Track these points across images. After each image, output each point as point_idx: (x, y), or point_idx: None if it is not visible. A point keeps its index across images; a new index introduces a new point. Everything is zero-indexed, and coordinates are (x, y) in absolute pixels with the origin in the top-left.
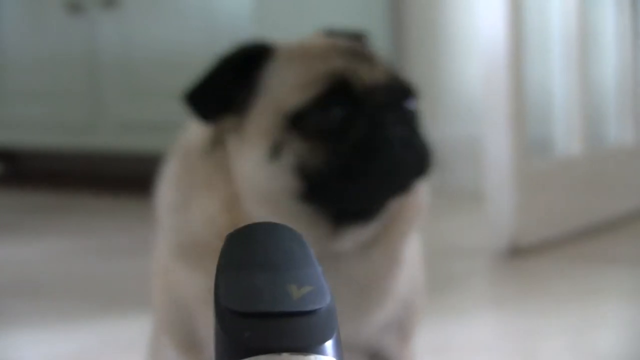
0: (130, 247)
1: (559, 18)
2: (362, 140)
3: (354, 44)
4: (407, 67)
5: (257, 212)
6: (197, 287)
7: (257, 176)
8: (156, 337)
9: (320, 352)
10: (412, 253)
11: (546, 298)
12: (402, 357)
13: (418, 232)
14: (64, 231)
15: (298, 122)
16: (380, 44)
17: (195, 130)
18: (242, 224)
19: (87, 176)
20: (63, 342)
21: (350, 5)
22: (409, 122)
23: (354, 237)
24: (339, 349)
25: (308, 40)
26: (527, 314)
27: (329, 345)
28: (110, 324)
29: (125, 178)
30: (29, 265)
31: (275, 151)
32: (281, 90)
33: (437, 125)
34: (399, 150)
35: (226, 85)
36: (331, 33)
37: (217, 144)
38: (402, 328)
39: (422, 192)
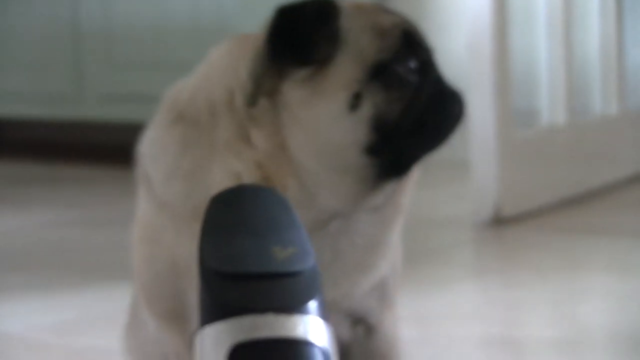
0: (112, 218)
1: None
2: (434, 93)
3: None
4: None
5: (310, 166)
6: (190, 245)
7: (332, 128)
8: (134, 308)
9: (304, 311)
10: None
11: (529, 268)
12: (385, 322)
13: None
14: (46, 202)
15: (381, 72)
16: None
17: (214, 86)
18: (277, 180)
19: (70, 147)
20: (43, 313)
21: None
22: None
23: (385, 193)
24: (322, 309)
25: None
26: (509, 284)
27: (312, 305)
28: (92, 295)
29: (109, 149)
30: (9, 236)
31: (355, 102)
32: (360, 41)
33: None
34: (457, 105)
35: (315, 34)
36: None
37: (262, 95)
38: (386, 292)
39: None
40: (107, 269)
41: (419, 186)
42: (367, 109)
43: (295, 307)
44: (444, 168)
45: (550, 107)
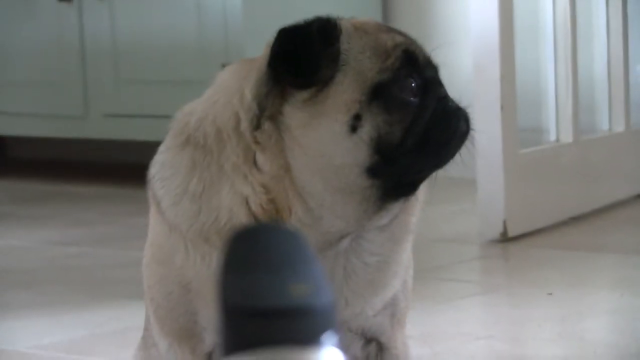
0: (119, 236)
1: (550, 6)
2: (437, 111)
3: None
4: None
5: (313, 188)
6: (203, 270)
7: (333, 150)
8: (147, 329)
9: (321, 344)
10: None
11: (535, 286)
12: (395, 342)
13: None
14: (52, 220)
15: (380, 93)
16: None
17: (221, 110)
18: (282, 202)
19: (76, 165)
20: (52, 332)
21: None
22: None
23: (392, 212)
24: (338, 342)
25: (346, 19)
26: (516, 302)
27: (328, 338)
28: (100, 314)
29: (115, 166)
30: (16, 254)
31: (355, 124)
32: (360, 62)
33: None
34: (461, 123)
35: (317, 56)
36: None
37: (266, 118)
38: (395, 311)
39: None
40: (115, 286)
41: (427, 204)
42: (367, 131)
43: (312, 340)
44: (450, 185)
45: (557, 125)
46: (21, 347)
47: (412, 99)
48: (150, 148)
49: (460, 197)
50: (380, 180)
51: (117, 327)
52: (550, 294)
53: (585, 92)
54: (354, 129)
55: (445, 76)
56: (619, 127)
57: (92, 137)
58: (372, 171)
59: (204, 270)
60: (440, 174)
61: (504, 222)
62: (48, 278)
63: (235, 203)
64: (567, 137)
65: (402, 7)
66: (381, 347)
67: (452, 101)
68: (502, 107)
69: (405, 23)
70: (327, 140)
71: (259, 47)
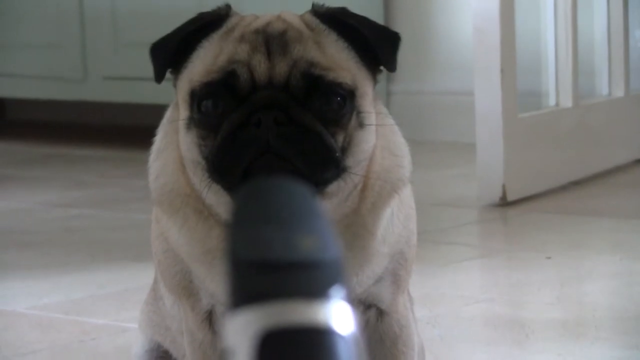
0: (119, 198)
1: None
2: (223, 138)
3: (289, 29)
4: (398, 22)
5: (192, 174)
6: (178, 237)
7: (181, 141)
8: (155, 283)
9: (329, 297)
10: (405, 207)
11: (534, 249)
12: (395, 307)
13: (413, 184)
14: (52, 182)
15: (198, 104)
16: None
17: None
18: (185, 185)
19: (75, 127)
20: (52, 293)
21: None
22: (298, 122)
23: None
24: (345, 295)
25: (260, 16)
26: (515, 265)
27: (336, 291)
28: (99, 275)
29: (113, 129)
30: (16, 216)
31: (189, 123)
32: (196, 66)
33: (428, 79)
34: (254, 154)
35: (173, 46)
36: (315, 10)
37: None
38: (395, 279)
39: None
40: (115, 248)
41: (427, 169)
42: (194, 134)
43: (320, 293)
44: (450, 150)
45: (556, 90)
46: (20, 307)
47: (213, 119)
48: (148, 110)
49: (459, 162)
50: (218, 178)
51: (116, 289)
52: (549, 257)
53: (584, 56)
54: (189, 128)
55: (446, 40)
56: (619, 92)
57: (91, 100)
58: (207, 171)
59: (174, 234)
60: (439, 138)
61: (503, 187)
62: (48, 239)
63: (168, 172)
64: (567, 101)
65: None
66: (381, 313)
67: (283, 132)
68: (502, 71)
69: None
70: (180, 131)
71: (259, 8)
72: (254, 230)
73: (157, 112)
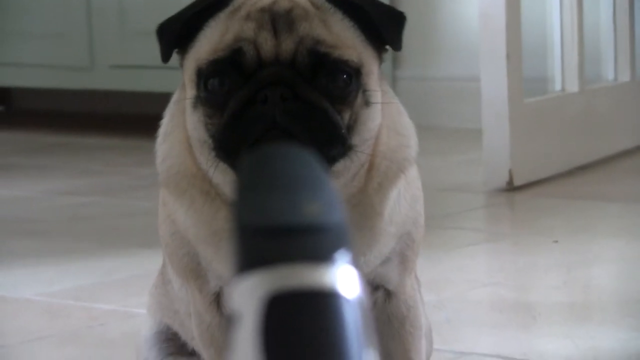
0: (126, 186)
1: None
2: (229, 116)
3: (295, 7)
4: (404, 7)
5: (198, 154)
6: (185, 219)
7: (188, 121)
8: (163, 267)
9: (334, 260)
10: (412, 189)
11: (540, 234)
12: (403, 288)
13: (420, 169)
14: (60, 170)
15: (204, 82)
16: None
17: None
18: (192, 165)
19: (83, 116)
20: (60, 280)
21: None
22: (304, 99)
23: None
24: (351, 259)
25: None
26: (521, 250)
27: (342, 254)
28: (107, 262)
29: (121, 117)
30: (25, 204)
31: (196, 102)
32: (203, 45)
33: (434, 64)
34: (260, 130)
35: (179, 26)
36: None
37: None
38: (403, 260)
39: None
40: (122, 235)
41: (434, 154)
42: (200, 112)
43: (325, 258)
44: (456, 135)
45: (562, 75)
46: (28, 294)
47: (219, 97)
48: (155, 99)
49: (466, 147)
50: (224, 157)
51: (124, 275)
52: (556, 241)
53: (590, 41)
54: (195, 107)
55: (452, 25)
56: (625, 77)
57: (98, 88)
58: (213, 149)
59: (181, 216)
60: (445, 124)
61: (510, 171)
62: (55, 227)
63: (175, 155)
64: (573, 86)
65: None
66: (389, 294)
67: (290, 109)
68: (507, 56)
69: None
70: (187, 110)
71: None
72: (259, 196)
73: (163, 100)
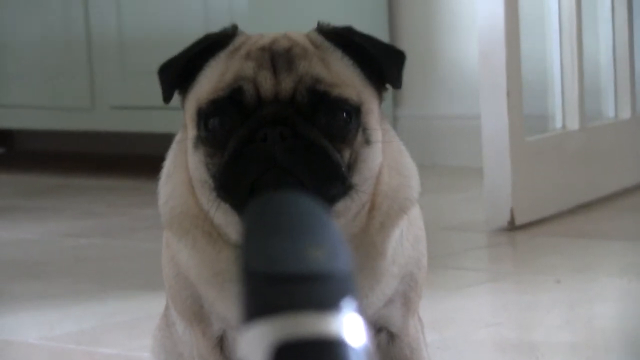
0: (127, 227)
1: None
2: (230, 155)
3: (294, 46)
4: (403, 46)
5: (200, 194)
6: (188, 260)
7: (189, 161)
8: (167, 309)
9: (340, 309)
10: (415, 229)
11: (543, 272)
12: (406, 330)
13: (421, 208)
14: (61, 212)
15: (205, 122)
16: (374, 22)
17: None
18: (194, 206)
19: (84, 157)
20: (62, 323)
21: None
22: (304, 137)
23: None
24: (356, 307)
25: (266, 35)
26: (524, 288)
27: (347, 303)
28: (109, 304)
29: (122, 158)
30: (27, 246)
31: (197, 142)
32: (203, 85)
33: (434, 103)
34: (261, 169)
35: (180, 67)
36: (321, 28)
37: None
38: (406, 301)
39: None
40: (124, 277)
41: (436, 193)
42: (201, 152)
43: (331, 305)
44: (457, 174)
45: (563, 112)
46: (31, 338)
47: (220, 136)
48: (156, 139)
49: (467, 186)
50: (225, 196)
51: (126, 318)
52: (558, 280)
53: (590, 78)
54: (196, 147)
55: (452, 64)
56: (625, 114)
57: (99, 129)
58: (214, 190)
59: (184, 257)
60: (446, 163)
61: (511, 210)
62: (57, 269)
63: (176, 196)
64: (573, 124)
65: None
66: (392, 336)
67: (289, 147)
68: (508, 94)
69: (412, 11)
70: (188, 150)
71: (266, 29)
72: (266, 243)
73: (164, 140)
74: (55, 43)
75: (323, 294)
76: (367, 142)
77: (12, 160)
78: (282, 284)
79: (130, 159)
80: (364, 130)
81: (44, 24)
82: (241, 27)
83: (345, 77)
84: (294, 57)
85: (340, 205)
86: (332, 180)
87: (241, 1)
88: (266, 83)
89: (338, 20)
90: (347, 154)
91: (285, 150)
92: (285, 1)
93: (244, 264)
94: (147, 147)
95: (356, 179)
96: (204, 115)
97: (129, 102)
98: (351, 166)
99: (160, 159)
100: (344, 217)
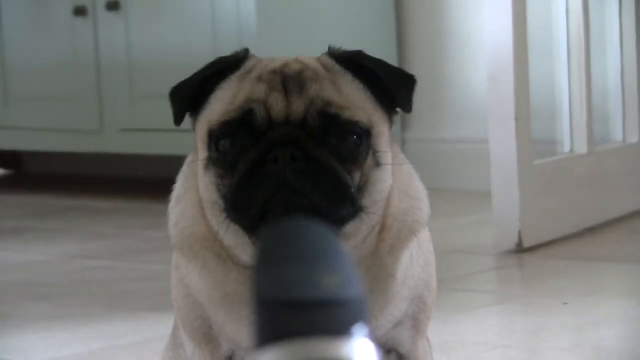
0: (136, 249)
1: (564, 18)
2: (241, 176)
3: (305, 69)
4: (413, 71)
5: (210, 216)
6: (198, 282)
7: (200, 182)
8: (175, 330)
9: (351, 335)
10: (425, 252)
11: (551, 295)
12: (415, 352)
13: (430, 231)
14: (69, 234)
15: (216, 143)
16: (383, 47)
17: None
18: (204, 228)
19: (92, 179)
20: (71, 345)
21: (353, 10)
22: (315, 159)
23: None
24: (368, 333)
25: (278, 58)
26: (532, 311)
27: (359, 329)
28: (118, 326)
29: (130, 181)
30: (36, 268)
31: (208, 163)
32: (215, 107)
33: (443, 127)
34: (271, 190)
35: (191, 90)
36: (332, 52)
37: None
38: (415, 324)
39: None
40: (133, 299)
41: (445, 216)
42: (212, 173)
43: (343, 332)
44: (466, 198)
45: (571, 137)
46: (40, 359)
47: (226, 158)
48: (165, 162)
49: (475, 209)
50: (236, 218)
51: (135, 339)
52: (566, 303)
53: (598, 103)
54: (207, 168)
55: (460, 89)
56: (633, 138)
57: (108, 152)
58: (224, 211)
59: (194, 279)
60: (455, 186)
61: (519, 233)
62: (66, 291)
63: (188, 218)
64: (582, 148)
65: (416, 24)
66: (401, 358)
67: (300, 169)
68: (516, 119)
69: (421, 37)
70: (199, 172)
71: (277, 53)
72: (279, 270)
73: (173, 163)
74: (64, 66)
75: (335, 320)
76: (378, 164)
77: (21, 182)
78: (295, 311)
79: (139, 181)
80: (375, 153)
81: (53, 47)
82: (249, 47)
83: (356, 100)
84: (305, 80)
85: (350, 227)
86: (342, 202)
87: (250, 24)
88: (277, 105)
89: (346, 44)
90: (357, 176)
91: (296, 172)
92: (293, 25)
93: (257, 291)
94: (155, 170)
95: (366, 201)
96: (216, 137)
97: (138, 125)
98: (361, 188)
99: (169, 181)
100: (354, 239)
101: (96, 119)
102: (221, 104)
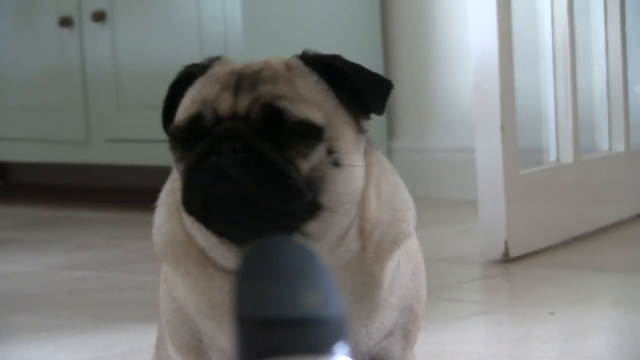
0: (123, 259)
1: (549, 26)
2: (187, 170)
3: (265, 69)
4: (398, 79)
5: (185, 217)
6: (184, 291)
7: (174, 184)
8: (160, 342)
9: (331, 354)
10: (413, 261)
11: (537, 305)
12: None
13: (418, 241)
14: (56, 245)
15: (173, 146)
16: (368, 55)
17: None
18: (182, 232)
19: (79, 190)
20: (57, 356)
21: (339, 19)
22: (257, 150)
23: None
24: (348, 352)
25: (242, 62)
26: (519, 321)
27: (339, 348)
28: (105, 337)
29: (117, 191)
30: (21, 278)
31: (176, 166)
32: (179, 111)
33: (429, 136)
34: (212, 180)
35: (167, 101)
36: (303, 54)
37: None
38: (405, 334)
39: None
40: (120, 310)
41: (430, 226)
42: (177, 171)
43: (323, 350)
44: (452, 207)
45: (557, 146)
46: None
47: (176, 157)
48: (152, 172)
49: (462, 218)
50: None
51: (122, 350)
52: (553, 313)
53: (584, 112)
54: (177, 162)
55: (446, 97)
56: (619, 147)
57: (95, 162)
58: (182, 205)
59: (180, 288)
60: (441, 195)
61: (506, 243)
62: (52, 302)
63: (166, 226)
64: (568, 157)
65: (401, 30)
66: None
67: (244, 163)
68: (502, 128)
69: (406, 45)
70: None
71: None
72: (259, 288)
73: (159, 173)
74: (50, 76)
75: (316, 338)
76: (335, 164)
77: (7, 193)
78: (276, 329)
79: (126, 191)
80: (331, 152)
81: (39, 58)
82: (236, 56)
83: (311, 98)
84: (260, 78)
85: (313, 227)
86: (284, 192)
87: (236, 32)
88: (225, 103)
89: (332, 51)
90: (305, 169)
91: (236, 162)
92: (279, 31)
93: (238, 308)
94: (142, 180)
95: (325, 200)
96: (173, 139)
97: (124, 135)
98: (317, 186)
99: (156, 191)
100: (325, 241)
101: (82, 129)
102: (182, 107)
